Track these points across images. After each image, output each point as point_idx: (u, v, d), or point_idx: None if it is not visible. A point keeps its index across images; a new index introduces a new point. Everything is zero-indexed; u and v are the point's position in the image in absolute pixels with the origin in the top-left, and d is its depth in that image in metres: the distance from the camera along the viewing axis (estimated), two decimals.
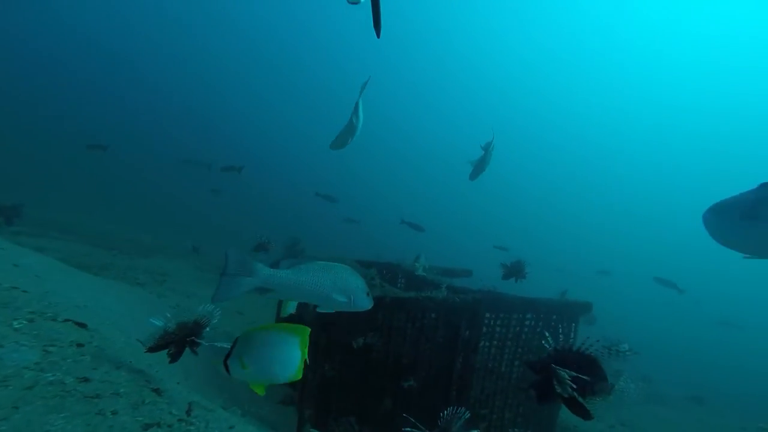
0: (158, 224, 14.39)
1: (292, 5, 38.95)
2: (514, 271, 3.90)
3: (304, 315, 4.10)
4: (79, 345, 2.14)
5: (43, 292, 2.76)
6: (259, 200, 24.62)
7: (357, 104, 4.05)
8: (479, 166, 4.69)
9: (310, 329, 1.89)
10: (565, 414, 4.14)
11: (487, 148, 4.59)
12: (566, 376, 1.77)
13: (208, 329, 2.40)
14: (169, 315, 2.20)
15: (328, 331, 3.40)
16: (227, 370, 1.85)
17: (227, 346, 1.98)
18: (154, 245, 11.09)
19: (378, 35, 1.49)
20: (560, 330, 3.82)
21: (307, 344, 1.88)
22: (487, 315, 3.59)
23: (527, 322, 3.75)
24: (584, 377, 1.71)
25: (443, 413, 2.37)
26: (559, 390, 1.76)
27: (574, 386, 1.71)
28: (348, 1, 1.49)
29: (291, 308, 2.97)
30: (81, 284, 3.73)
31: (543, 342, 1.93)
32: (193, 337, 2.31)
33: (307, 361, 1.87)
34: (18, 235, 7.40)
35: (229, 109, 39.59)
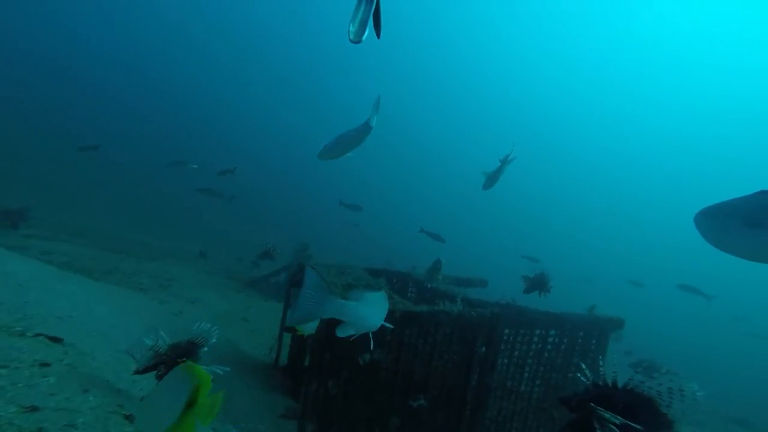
0: (166, 227, 14.40)
1: (296, 11, 38.96)
2: (538, 284, 3.52)
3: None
4: (44, 365, 1.88)
5: (21, 303, 2.52)
6: (265, 204, 24.57)
7: (367, 121, 3.72)
8: (493, 177, 4.42)
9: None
10: None
11: (504, 161, 4.33)
12: (611, 419, 1.41)
13: (205, 349, 2.10)
14: (163, 333, 1.91)
15: (332, 346, 3.11)
16: None
17: (221, 371, 1.70)
18: (162, 249, 11.00)
19: (378, 36, 1.49)
20: (589, 347, 3.41)
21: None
22: (507, 331, 3.22)
23: (551, 339, 3.35)
24: (636, 426, 1.34)
25: None
26: None
27: None
28: (350, 40, 1.48)
29: (310, 329, 2.65)
30: (72, 292, 3.51)
31: (578, 375, 1.57)
32: (185, 359, 2.02)
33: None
34: (28, 238, 7.35)
35: (232, 112, 39.86)
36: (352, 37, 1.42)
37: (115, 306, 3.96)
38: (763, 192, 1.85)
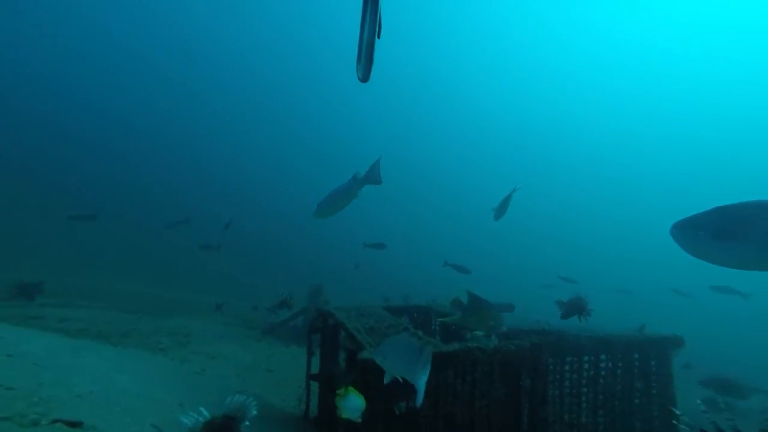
0: (177, 279, 14.18)
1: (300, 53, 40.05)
2: (576, 308, 3.23)
3: (336, 377, 3.51)
4: None
5: (37, 385, 2.29)
6: (274, 248, 24.33)
7: (355, 175, 3.72)
8: (501, 209, 4.41)
9: None
10: None
11: (508, 196, 4.36)
12: None
13: (247, 423, 1.83)
14: (204, 410, 1.67)
15: (367, 396, 2.81)
16: None
17: None
18: (176, 302, 10.75)
19: (378, 36, 1.48)
20: (650, 370, 3.07)
21: None
22: (551, 360, 2.92)
23: (603, 365, 3.04)
24: None
25: None
26: None
27: None
28: (359, 79, 1.49)
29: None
30: (91, 364, 3.27)
31: (675, 422, 1.31)
32: None
33: None
34: (44, 307, 7.17)
35: (231, 159, 40.34)
36: (360, 76, 1.43)
37: (136, 372, 3.69)
38: (719, 208, 2.10)
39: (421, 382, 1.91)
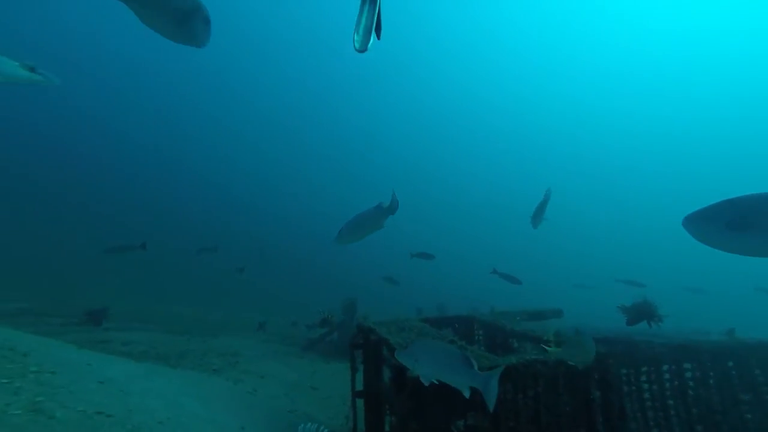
0: (218, 301, 14.73)
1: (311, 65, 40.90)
2: (644, 313, 3.05)
3: (389, 399, 3.49)
4: None
5: (127, 412, 2.49)
6: (307, 264, 24.73)
7: (380, 204, 3.80)
8: (538, 215, 4.26)
9: None
10: None
11: (544, 199, 4.22)
12: None
13: None
14: None
15: (418, 416, 2.75)
16: None
17: None
18: (220, 322, 11.16)
19: (378, 37, 1.44)
20: (755, 380, 2.81)
21: None
22: (624, 371, 2.74)
23: (689, 375, 2.81)
24: None
25: None
26: None
27: None
28: (356, 49, 1.43)
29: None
30: (162, 388, 3.48)
31: None
32: None
33: None
34: (108, 331, 7.69)
35: (265, 184, 41.46)
36: (357, 46, 1.37)
37: (200, 396, 3.88)
38: (730, 201, 2.19)
39: (491, 396, 1.91)
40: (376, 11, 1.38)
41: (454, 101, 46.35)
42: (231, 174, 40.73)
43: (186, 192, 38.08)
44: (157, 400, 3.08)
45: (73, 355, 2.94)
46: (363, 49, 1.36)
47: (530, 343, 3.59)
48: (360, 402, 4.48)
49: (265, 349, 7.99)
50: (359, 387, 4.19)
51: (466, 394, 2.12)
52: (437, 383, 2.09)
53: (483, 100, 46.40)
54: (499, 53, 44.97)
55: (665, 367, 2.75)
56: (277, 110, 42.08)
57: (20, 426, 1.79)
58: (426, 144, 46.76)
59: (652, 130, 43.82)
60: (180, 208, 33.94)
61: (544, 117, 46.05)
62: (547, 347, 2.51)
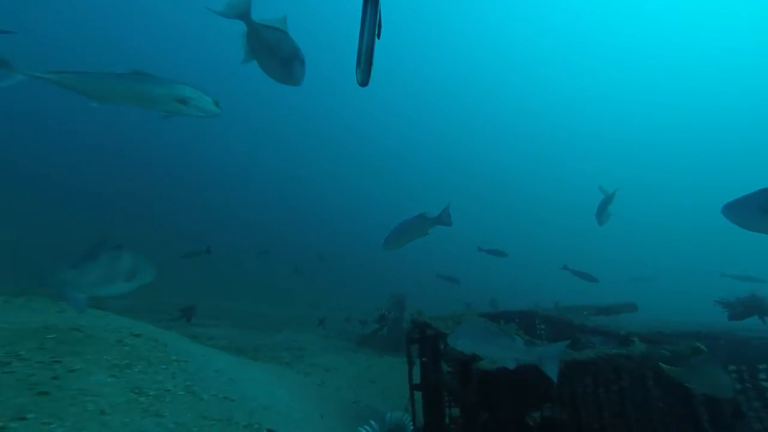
0: (279, 297, 15.89)
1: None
2: (754, 307, 2.89)
3: (451, 391, 3.69)
4: None
5: (242, 398, 3.03)
6: (355, 264, 25.41)
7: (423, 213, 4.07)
8: (602, 213, 4.14)
9: None
10: None
11: (607, 195, 4.08)
12: None
13: None
14: (373, 423, 2.12)
15: (490, 407, 2.85)
16: None
17: None
18: (281, 318, 12.12)
19: (378, 37, 1.42)
20: None
21: None
22: (733, 368, 2.64)
23: None
24: None
25: None
26: None
27: None
28: (359, 83, 1.43)
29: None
30: (255, 378, 4.07)
31: None
32: None
33: None
34: (194, 326, 8.80)
35: (311, 186, 43.33)
36: (359, 80, 1.39)
37: (283, 386, 4.45)
38: (763, 189, 2.49)
39: (552, 369, 2.04)
40: (376, 36, 1.39)
41: (501, 99, 45.21)
42: (288, 183, 42.94)
43: (250, 199, 40.60)
44: (257, 388, 3.64)
45: (190, 347, 3.57)
46: (365, 84, 1.40)
47: (601, 337, 3.49)
48: (418, 394, 4.79)
49: (325, 344, 8.64)
50: (416, 380, 4.47)
51: (511, 366, 2.24)
52: (507, 373, 2.20)
53: (532, 95, 44.64)
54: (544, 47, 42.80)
55: None
56: (334, 119, 43.61)
57: (189, 404, 2.34)
58: (473, 142, 46.05)
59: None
60: (242, 215, 36.37)
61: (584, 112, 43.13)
62: (662, 364, 2.42)
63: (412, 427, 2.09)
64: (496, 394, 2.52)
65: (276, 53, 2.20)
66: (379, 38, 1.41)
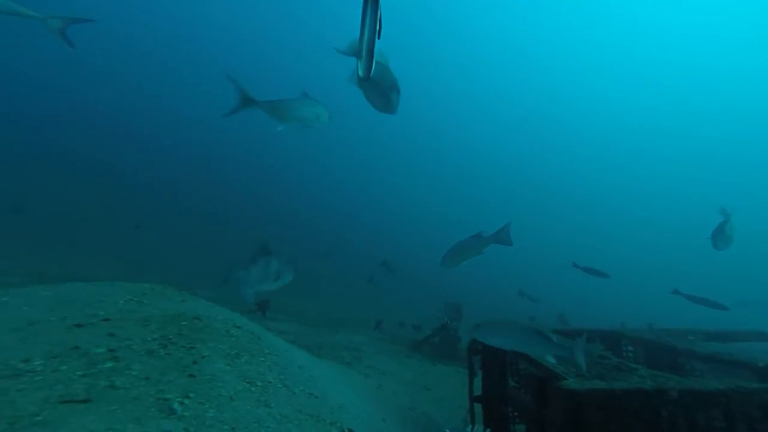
0: (334, 297, 16.64)
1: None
2: None
3: (540, 413, 3.52)
4: None
5: (323, 395, 3.34)
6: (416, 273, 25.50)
7: (479, 233, 4.08)
8: (721, 235, 3.70)
9: None
10: None
11: (724, 223, 3.63)
12: None
13: None
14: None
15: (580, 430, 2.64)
16: None
17: None
18: (337, 318, 12.71)
19: (378, 36, 1.41)
20: None
21: None
22: None
23: None
24: None
25: None
26: None
27: None
28: (361, 77, 1.45)
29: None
30: (327, 376, 4.42)
31: None
32: None
33: None
34: (267, 320, 9.68)
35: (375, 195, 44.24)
36: (361, 74, 1.39)
37: (349, 386, 4.76)
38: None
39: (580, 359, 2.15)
40: (376, 33, 1.39)
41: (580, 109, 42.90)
42: (356, 190, 44.55)
43: (318, 203, 42.47)
44: (331, 387, 3.97)
45: (275, 341, 4.00)
46: (367, 78, 1.41)
47: (711, 365, 3.09)
48: (478, 407, 4.72)
49: (380, 347, 8.91)
50: (477, 392, 4.41)
51: (552, 360, 2.29)
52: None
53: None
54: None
55: None
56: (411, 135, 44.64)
57: (286, 397, 2.68)
58: (544, 154, 44.22)
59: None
60: (309, 218, 38.05)
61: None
62: None
63: None
64: (585, 419, 2.26)
65: (378, 85, 2.51)
66: (379, 38, 1.41)
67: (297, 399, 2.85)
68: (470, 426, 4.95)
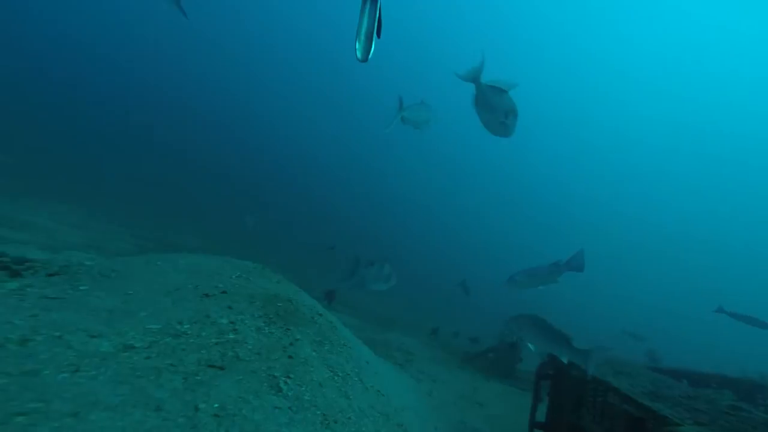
0: (393, 297, 16.76)
1: None
2: None
3: None
4: None
5: (388, 393, 3.39)
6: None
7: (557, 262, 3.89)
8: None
9: None
10: None
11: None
12: None
13: None
14: None
15: None
16: None
17: None
18: (388, 317, 12.83)
19: (378, 36, 1.38)
20: None
21: None
22: None
23: None
24: None
25: None
26: None
27: None
28: (358, 59, 1.42)
29: None
30: (388, 375, 4.48)
31: None
32: None
33: None
34: (332, 310, 10.19)
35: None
36: (359, 56, 1.36)
37: (405, 388, 4.77)
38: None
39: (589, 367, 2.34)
40: (376, 18, 1.38)
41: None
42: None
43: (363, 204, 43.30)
44: (392, 386, 4.01)
45: (347, 333, 4.15)
46: (365, 60, 1.39)
47: None
48: None
49: (432, 354, 8.78)
50: (540, 418, 4.07)
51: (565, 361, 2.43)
52: None
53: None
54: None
55: None
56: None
57: (361, 390, 2.77)
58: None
59: None
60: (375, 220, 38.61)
61: None
62: None
63: None
64: None
65: (494, 112, 2.67)
66: (379, 37, 1.40)
67: (369, 394, 2.93)
68: None
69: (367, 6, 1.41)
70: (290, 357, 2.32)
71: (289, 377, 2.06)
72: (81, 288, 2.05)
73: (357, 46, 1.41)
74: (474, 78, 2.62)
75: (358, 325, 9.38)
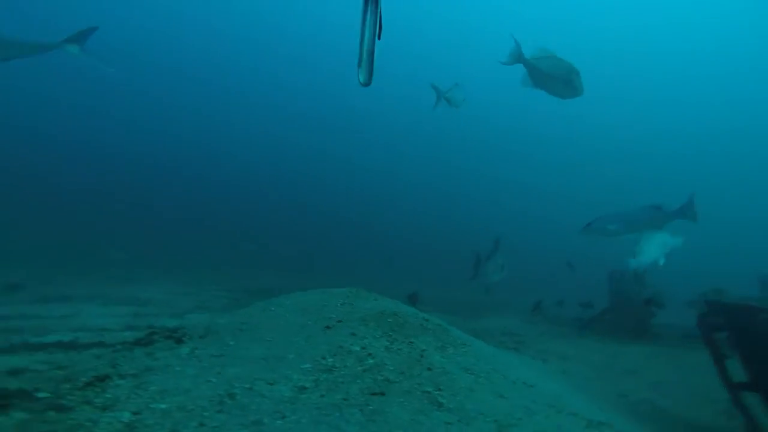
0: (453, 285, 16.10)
1: None
2: None
3: None
4: None
5: (533, 384, 3.04)
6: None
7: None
8: None
9: None
10: None
11: None
12: None
13: None
14: None
15: None
16: None
17: None
18: (474, 304, 12.22)
19: (379, 37, 1.34)
20: None
21: None
22: None
23: None
24: None
25: None
26: None
27: None
28: (361, 84, 1.38)
29: None
30: (512, 363, 4.09)
31: None
32: None
33: None
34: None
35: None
36: (362, 79, 1.35)
37: (539, 372, 4.32)
38: None
39: None
40: (376, 36, 1.33)
41: None
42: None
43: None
44: (528, 374, 3.62)
45: (457, 331, 3.89)
46: (367, 84, 1.36)
47: None
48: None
49: (539, 330, 8.08)
50: (736, 378, 3.41)
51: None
52: None
53: None
54: None
55: None
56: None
57: (507, 386, 2.48)
58: None
59: None
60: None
61: None
62: None
63: None
64: None
65: (555, 77, 2.65)
66: (379, 39, 1.38)
67: (518, 388, 2.63)
68: (744, 420, 3.75)
69: (368, 15, 1.38)
70: (429, 369, 2.15)
71: (440, 390, 1.88)
72: (230, 343, 2.17)
73: (359, 71, 1.38)
74: (519, 58, 2.69)
75: (450, 319, 9.03)
